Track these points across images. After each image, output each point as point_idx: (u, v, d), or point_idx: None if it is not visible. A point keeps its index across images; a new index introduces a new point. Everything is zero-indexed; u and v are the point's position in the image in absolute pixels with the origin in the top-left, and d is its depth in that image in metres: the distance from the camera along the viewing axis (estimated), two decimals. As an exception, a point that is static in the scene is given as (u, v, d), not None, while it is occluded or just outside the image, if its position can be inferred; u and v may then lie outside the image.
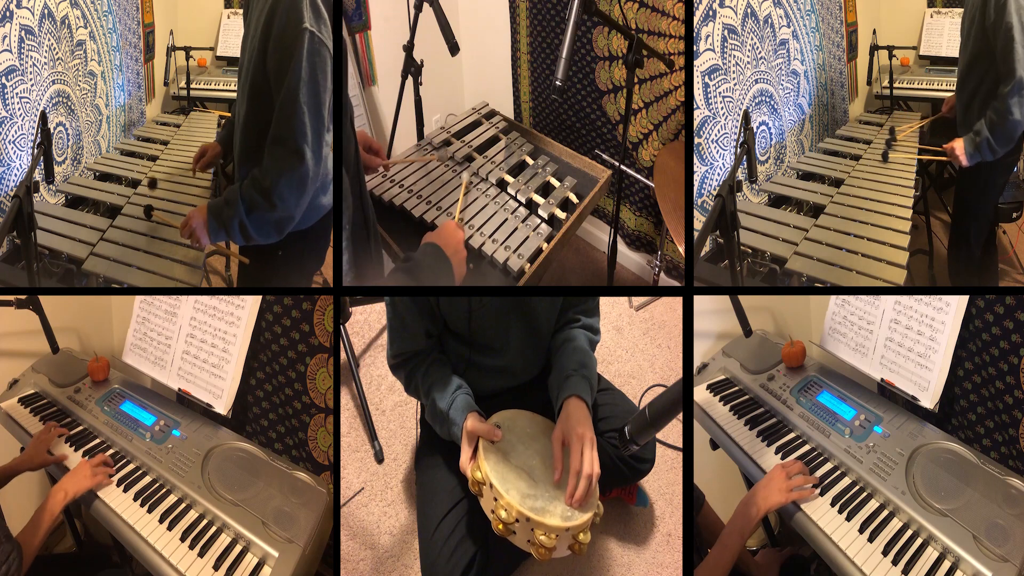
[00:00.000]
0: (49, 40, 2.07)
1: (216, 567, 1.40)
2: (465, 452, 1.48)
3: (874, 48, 3.05)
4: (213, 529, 1.49)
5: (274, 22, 1.45)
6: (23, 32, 1.93)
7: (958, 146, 2.12)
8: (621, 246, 2.97)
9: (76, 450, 1.73)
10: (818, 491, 1.49)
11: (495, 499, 1.36)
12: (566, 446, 1.44)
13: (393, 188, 1.99)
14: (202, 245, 1.66)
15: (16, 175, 1.92)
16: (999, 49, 1.98)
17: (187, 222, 1.64)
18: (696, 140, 1.95)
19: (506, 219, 1.91)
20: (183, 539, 1.45)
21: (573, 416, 1.47)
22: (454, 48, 2.07)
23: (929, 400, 1.60)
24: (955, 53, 3.06)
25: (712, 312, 2.14)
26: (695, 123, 1.94)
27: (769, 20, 2.19)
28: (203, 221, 1.60)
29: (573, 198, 2.02)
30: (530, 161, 2.19)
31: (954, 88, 2.82)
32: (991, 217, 2.28)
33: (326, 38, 1.46)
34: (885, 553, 1.34)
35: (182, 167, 2.32)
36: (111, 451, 1.71)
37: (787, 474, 1.50)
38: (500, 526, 1.34)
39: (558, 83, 1.61)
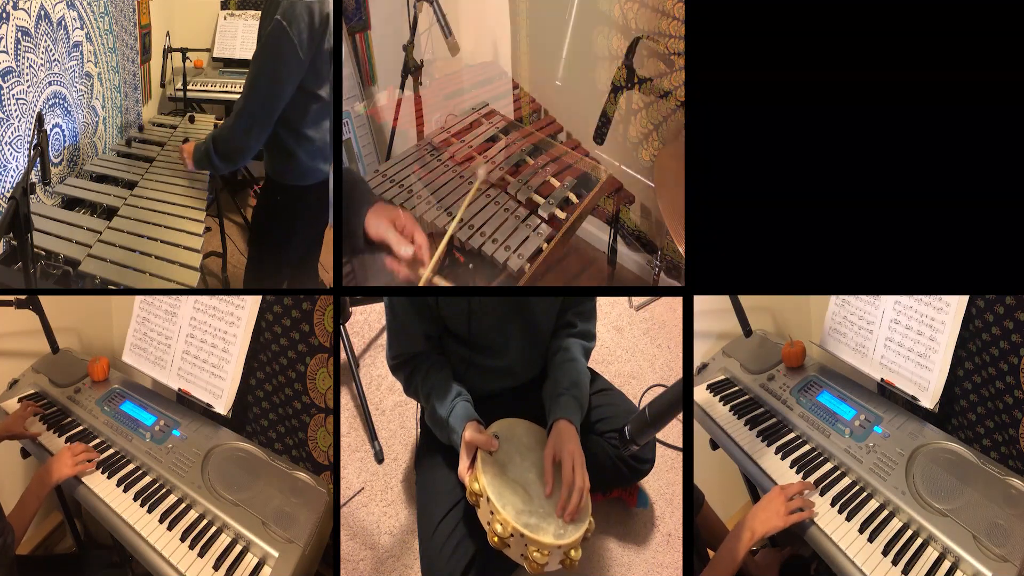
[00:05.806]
0: (45, 41, 2.07)
1: (216, 567, 1.40)
2: (463, 462, 1.49)
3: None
4: (213, 529, 1.49)
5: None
6: (19, 34, 1.92)
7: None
8: (621, 246, 2.97)
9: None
10: (815, 512, 1.46)
11: (491, 513, 1.38)
12: (557, 461, 1.48)
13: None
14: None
15: (12, 176, 1.92)
16: None
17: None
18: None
19: (506, 219, 1.90)
20: (183, 539, 1.45)
21: (563, 436, 1.52)
22: (454, 48, 2.07)
23: (929, 400, 1.60)
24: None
25: (712, 312, 2.13)
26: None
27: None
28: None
29: (573, 198, 2.02)
30: (530, 161, 2.19)
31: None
32: None
33: (294, 35, 1.47)
34: (885, 553, 1.34)
35: (178, 168, 2.33)
36: (111, 451, 1.71)
37: (786, 496, 1.45)
38: (495, 539, 1.36)
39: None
